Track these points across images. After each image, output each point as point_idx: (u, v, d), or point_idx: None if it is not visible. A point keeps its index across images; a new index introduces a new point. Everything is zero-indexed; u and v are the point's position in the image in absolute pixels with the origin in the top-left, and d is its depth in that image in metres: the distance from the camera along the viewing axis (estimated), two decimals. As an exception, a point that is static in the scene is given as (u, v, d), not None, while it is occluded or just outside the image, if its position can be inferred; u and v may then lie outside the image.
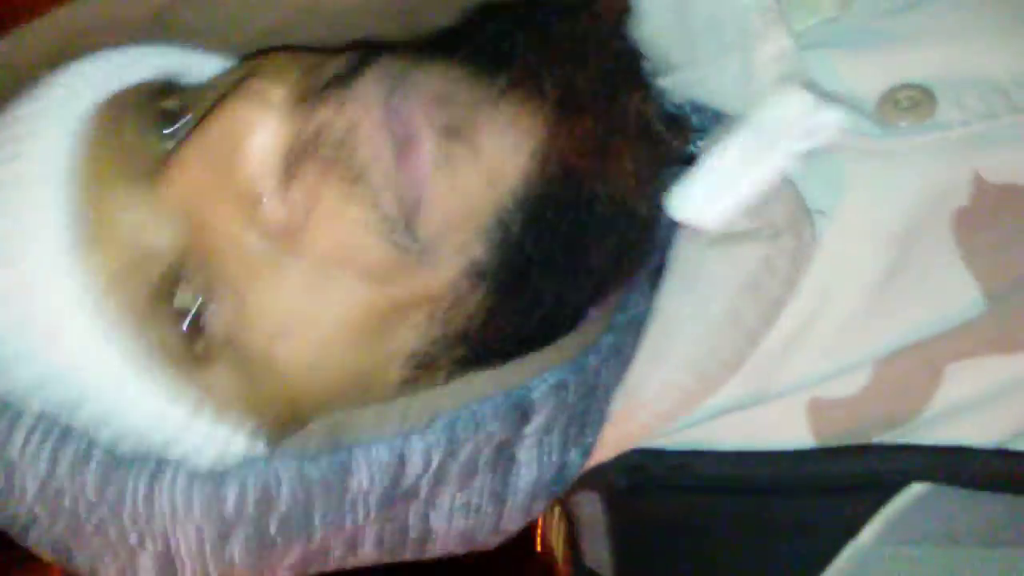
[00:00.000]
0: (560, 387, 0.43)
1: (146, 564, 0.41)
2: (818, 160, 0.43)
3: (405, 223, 0.38)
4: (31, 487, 0.39)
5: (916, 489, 0.42)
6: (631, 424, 0.46)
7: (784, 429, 0.44)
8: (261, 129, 0.37)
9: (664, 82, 0.46)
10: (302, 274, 0.39)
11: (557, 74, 0.40)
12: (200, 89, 0.43)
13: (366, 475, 0.40)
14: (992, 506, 0.41)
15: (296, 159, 0.37)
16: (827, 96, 0.43)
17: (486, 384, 0.42)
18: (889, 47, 0.43)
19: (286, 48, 0.45)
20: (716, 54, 0.44)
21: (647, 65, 0.45)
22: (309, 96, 0.39)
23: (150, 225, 0.39)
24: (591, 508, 0.53)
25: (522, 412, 0.42)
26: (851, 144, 0.43)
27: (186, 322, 0.39)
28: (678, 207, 0.42)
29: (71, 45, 0.43)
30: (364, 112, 0.38)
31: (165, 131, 0.41)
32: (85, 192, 0.38)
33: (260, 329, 0.39)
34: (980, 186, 0.41)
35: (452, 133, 0.38)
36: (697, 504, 0.47)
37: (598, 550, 0.53)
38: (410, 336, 0.41)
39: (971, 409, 0.42)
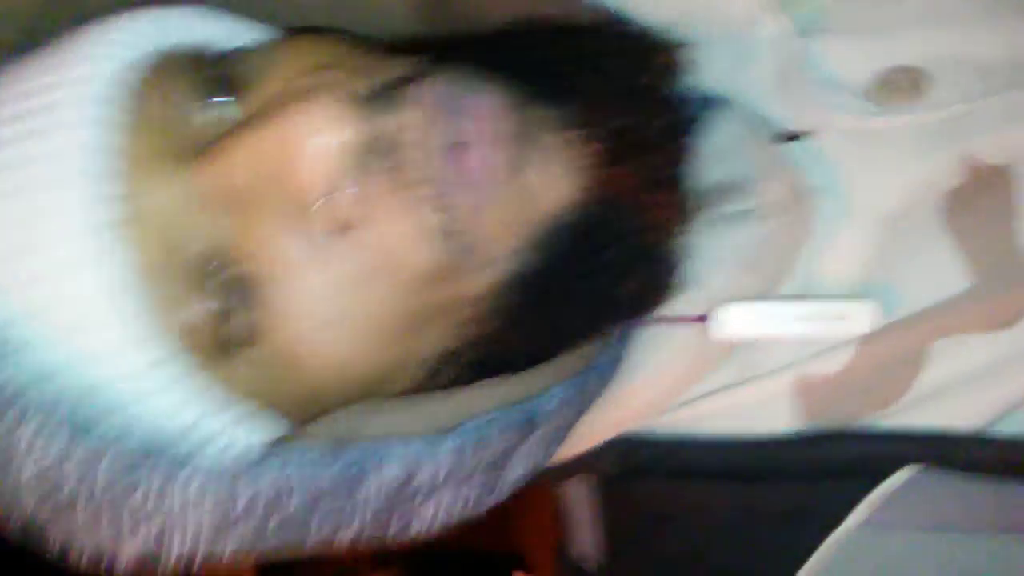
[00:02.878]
0: (565, 403, 0.43)
1: (130, 549, 0.38)
2: (816, 140, 0.44)
3: (461, 229, 0.37)
4: (26, 474, 0.36)
5: (901, 475, 0.42)
6: (624, 410, 0.46)
7: (771, 409, 0.44)
8: (318, 136, 0.35)
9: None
10: (343, 274, 0.38)
11: (616, 114, 0.40)
12: (244, 59, 0.41)
13: (374, 487, 0.39)
14: (975, 492, 0.41)
15: (351, 164, 0.36)
16: (823, 78, 0.44)
17: (502, 393, 0.42)
18: (883, 31, 0.44)
19: (331, 32, 0.43)
20: (715, 39, 0.45)
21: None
22: (369, 98, 0.37)
23: (186, 210, 0.37)
24: (581, 495, 0.53)
25: (532, 424, 0.42)
26: (847, 124, 0.44)
27: (215, 312, 0.37)
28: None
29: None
30: (426, 119, 0.37)
31: (207, 104, 0.39)
32: (117, 167, 0.36)
33: (293, 324, 0.38)
34: (972, 167, 0.42)
35: (520, 142, 0.38)
36: (686, 491, 0.47)
37: (585, 540, 0.53)
38: (434, 337, 0.41)
39: (956, 389, 0.42)
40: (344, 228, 0.36)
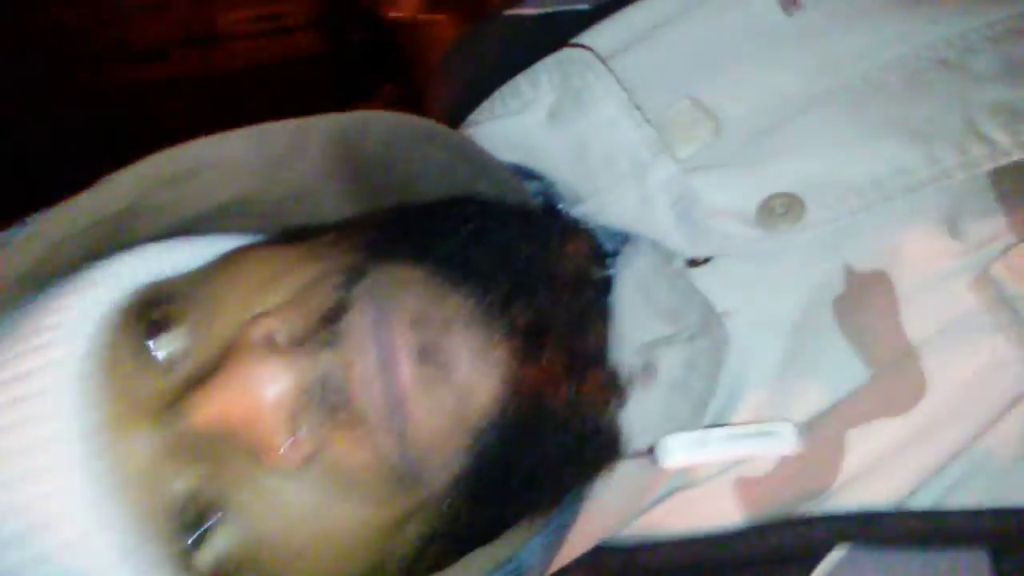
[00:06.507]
0: (545, 547, 0.47)
1: None
2: (716, 266, 0.50)
3: (400, 454, 0.41)
4: None
5: (837, 554, 0.45)
6: (592, 524, 0.50)
7: (717, 508, 0.49)
8: (270, 384, 0.39)
9: (575, 212, 0.53)
10: (312, 501, 0.42)
11: (527, 305, 0.43)
12: (182, 293, 0.45)
13: None
14: (909, 561, 0.45)
15: (303, 407, 0.40)
16: (713, 210, 0.49)
17: (484, 562, 0.45)
18: (760, 163, 0.50)
19: (261, 248, 0.48)
20: (614, 184, 0.51)
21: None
22: (306, 339, 0.41)
23: (164, 463, 0.41)
24: None
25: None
26: (741, 248, 0.49)
27: (195, 553, 0.41)
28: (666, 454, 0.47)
29: (57, 251, 0.45)
30: (357, 359, 0.40)
31: (158, 353, 0.43)
32: (102, 439, 0.40)
33: (275, 550, 0.42)
34: (850, 275, 0.48)
35: (426, 356, 0.41)
36: None
37: None
38: (407, 538, 0.45)
39: (875, 470, 0.46)
40: (303, 463, 0.40)
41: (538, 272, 0.45)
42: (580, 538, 0.50)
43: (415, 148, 0.50)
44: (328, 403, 0.40)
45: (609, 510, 0.49)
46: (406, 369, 0.40)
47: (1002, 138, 0.46)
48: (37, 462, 0.40)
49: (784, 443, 0.46)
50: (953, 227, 0.47)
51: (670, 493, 0.50)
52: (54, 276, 0.46)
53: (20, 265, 0.44)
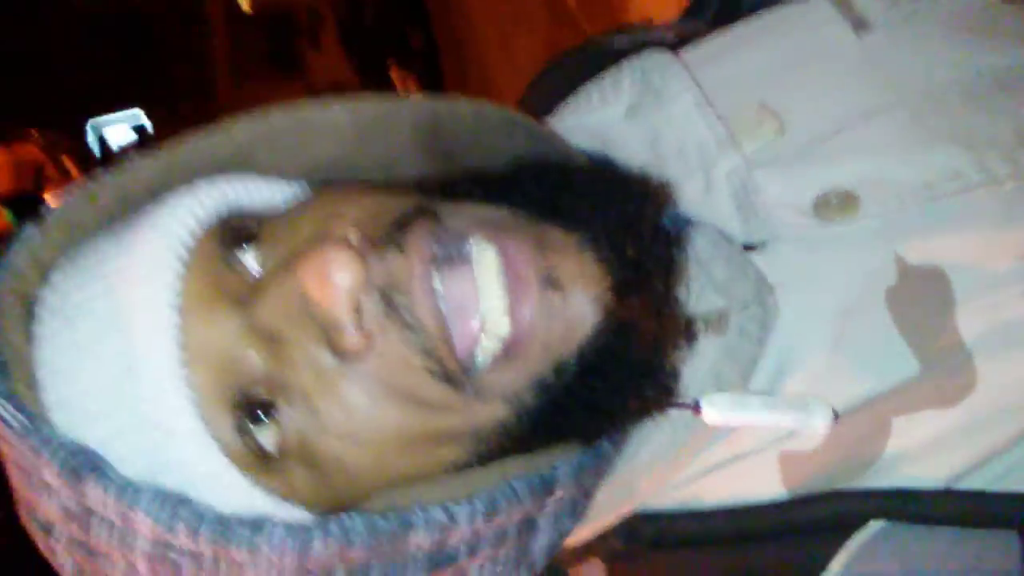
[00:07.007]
0: (580, 469, 0.50)
1: None
2: (770, 251, 0.53)
3: (463, 369, 0.45)
4: (142, 541, 0.43)
5: (873, 527, 0.48)
6: (633, 486, 0.53)
7: (760, 480, 0.51)
8: (343, 272, 0.43)
9: None
10: (367, 390, 0.45)
11: (626, 244, 0.47)
12: (268, 216, 0.50)
13: (423, 531, 0.45)
14: (940, 539, 0.47)
15: (363, 300, 0.43)
16: (772, 200, 0.53)
17: (520, 467, 0.49)
18: (820, 162, 0.54)
19: (349, 184, 0.53)
20: (684, 174, 0.56)
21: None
22: (378, 242, 0.45)
23: (239, 343, 0.45)
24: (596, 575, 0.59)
25: (548, 487, 0.49)
26: (795, 235, 0.53)
27: (252, 430, 0.46)
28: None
29: (170, 176, 0.51)
30: (418, 266, 0.44)
31: (244, 254, 0.48)
32: (187, 315, 0.45)
33: (329, 433, 0.45)
34: (904, 269, 0.50)
35: (552, 283, 0.45)
36: (686, 559, 0.53)
37: None
38: (455, 450, 0.48)
39: (919, 456, 0.49)
40: (359, 354, 0.44)
41: (632, 216, 0.49)
42: (617, 497, 0.53)
43: (498, 132, 0.55)
44: (390, 301, 0.44)
45: (647, 465, 0.52)
46: (534, 292, 0.44)
47: None
48: (134, 319, 0.44)
49: (818, 418, 0.48)
50: (1008, 233, 0.50)
51: (712, 468, 0.52)
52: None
53: (147, 177, 0.50)
